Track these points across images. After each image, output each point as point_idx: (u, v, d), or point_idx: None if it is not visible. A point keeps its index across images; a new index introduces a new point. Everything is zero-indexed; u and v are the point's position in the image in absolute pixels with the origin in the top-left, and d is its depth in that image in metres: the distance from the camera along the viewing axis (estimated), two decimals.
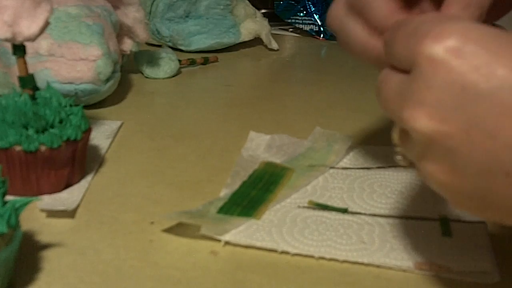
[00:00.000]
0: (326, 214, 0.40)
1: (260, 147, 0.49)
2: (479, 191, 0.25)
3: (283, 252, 0.36)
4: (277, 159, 0.47)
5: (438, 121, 0.25)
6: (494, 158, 0.24)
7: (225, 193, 0.42)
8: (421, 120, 0.25)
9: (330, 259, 0.35)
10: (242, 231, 0.37)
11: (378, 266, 0.35)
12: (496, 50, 0.24)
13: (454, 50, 0.24)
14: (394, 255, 0.35)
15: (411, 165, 0.30)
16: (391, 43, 0.28)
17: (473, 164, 0.24)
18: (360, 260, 0.35)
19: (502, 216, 0.26)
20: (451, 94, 0.24)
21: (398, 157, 0.30)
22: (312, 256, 0.35)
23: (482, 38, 0.24)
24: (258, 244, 0.36)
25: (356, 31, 0.35)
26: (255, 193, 0.42)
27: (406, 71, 0.27)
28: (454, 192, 0.26)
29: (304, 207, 0.41)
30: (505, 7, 0.40)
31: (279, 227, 0.38)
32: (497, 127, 0.23)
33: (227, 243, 0.36)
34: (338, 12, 0.36)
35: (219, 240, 0.36)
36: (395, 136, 0.29)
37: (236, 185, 0.43)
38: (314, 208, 0.41)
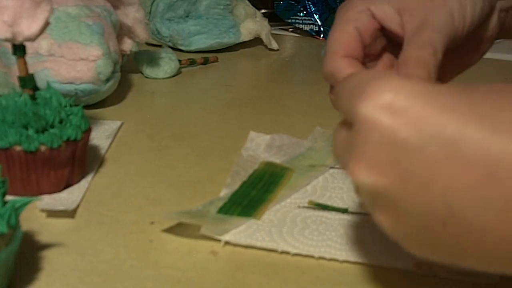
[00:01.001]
0: (326, 214, 0.40)
1: (260, 147, 0.49)
2: (425, 238, 0.26)
3: (283, 252, 0.36)
4: (277, 159, 0.47)
5: (377, 174, 0.26)
6: (430, 208, 0.25)
7: (225, 193, 0.42)
8: (362, 173, 0.26)
9: (330, 259, 0.35)
10: (242, 231, 0.37)
11: (378, 266, 0.35)
12: (425, 104, 0.24)
13: (386, 107, 0.25)
14: (394, 255, 0.35)
15: None
16: (338, 98, 0.29)
17: (413, 214, 0.25)
18: (360, 260, 0.35)
19: (455, 258, 0.26)
20: (385, 149, 0.25)
21: (363, 206, 0.31)
22: (312, 256, 0.35)
23: (412, 93, 0.25)
24: (258, 244, 0.36)
25: None
26: (255, 193, 0.42)
27: (351, 125, 0.28)
28: (404, 238, 0.27)
29: (304, 207, 0.41)
30: (462, 65, 0.43)
31: (279, 227, 0.38)
32: (430, 178, 0.24)
33: (227, 243, 0.36)
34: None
35: (219, 240, 0.36)
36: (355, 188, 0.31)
37: (236, 185, 0.43)
38: (314, 208, 0.41)
